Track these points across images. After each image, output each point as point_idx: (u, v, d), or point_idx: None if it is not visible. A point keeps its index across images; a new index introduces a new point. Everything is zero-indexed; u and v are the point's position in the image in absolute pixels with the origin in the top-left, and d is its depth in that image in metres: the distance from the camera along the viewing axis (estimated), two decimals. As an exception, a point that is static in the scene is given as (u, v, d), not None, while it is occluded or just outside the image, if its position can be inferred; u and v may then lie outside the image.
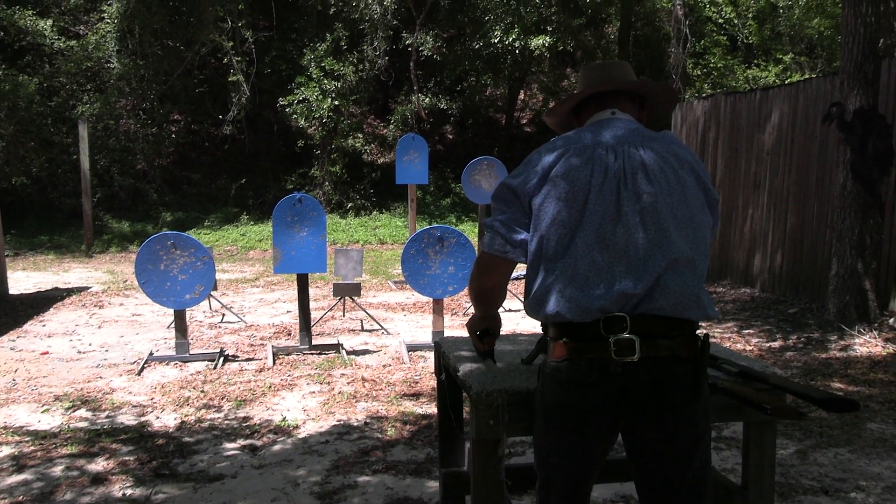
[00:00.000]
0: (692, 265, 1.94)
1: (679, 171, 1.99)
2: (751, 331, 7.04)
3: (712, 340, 2.53)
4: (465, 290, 8.74)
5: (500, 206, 2.09)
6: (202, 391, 5.30)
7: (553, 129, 2.43)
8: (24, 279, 10.54)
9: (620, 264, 1.91)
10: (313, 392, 5.30)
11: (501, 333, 2.48)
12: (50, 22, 15.32)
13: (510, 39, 15.53)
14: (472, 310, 8.11)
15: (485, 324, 2.35)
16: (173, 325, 6.31)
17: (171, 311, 6.53)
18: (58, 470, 3.93)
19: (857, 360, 5.86)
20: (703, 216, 2.01)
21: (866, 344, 6.15)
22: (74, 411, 4.89)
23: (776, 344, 6.52)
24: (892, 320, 6.41)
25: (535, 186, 2.02)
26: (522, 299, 2.14)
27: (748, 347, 6.44)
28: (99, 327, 7.50)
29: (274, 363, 6.03)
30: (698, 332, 1.98)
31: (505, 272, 2.15)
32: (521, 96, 20.31)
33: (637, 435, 1.96)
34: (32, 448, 4.23)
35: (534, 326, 6.69)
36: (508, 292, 8.66)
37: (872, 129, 6.37)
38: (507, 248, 2.07)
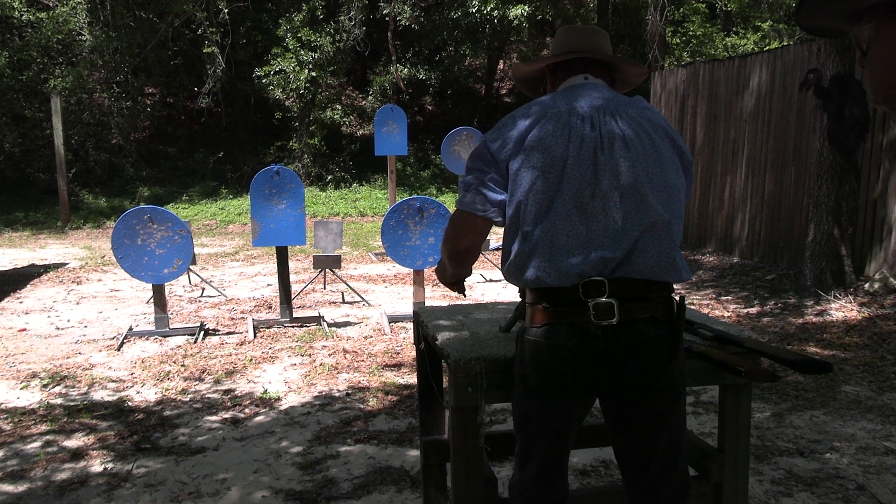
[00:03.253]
0: (668, 228, 1.96)
1: (653, 135, 2.01)
2: (729, 297, 7.11)
3: (690, 307, 2.55)
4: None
5: (478, 165, 2.06)
6: (183, 365, 5.28)
7: (517, 82, 2.42)
8: (0, 256, 10.41)
9: (598, 229, 1.92)
10: (294, 364, 5.30)
11: (480, 303, 2.48)
12: (18, -6, 14.99)
13: (488, 9, 15.38)
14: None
15: (456, 278, 2.35)
16: (152, 299, 6.27)
17: (150, 285, 6.48)
18: (37, 445, 3.91)
19: (833, 324, 5.94)
20: (677, 179, 2.03)
21: (842, 308, 6.23)
22: (53, 387, 4.86)
23: (754, 310, 6.59)
24: (867, 285, 6.49)
25: (511, 151, 2.01)
26: (500, 266, 2.13)
27: (726, 314, 6.51)
28: (77, 303, 7.44)
29: (255, 336, 6.02)
30: (674, 294, 2.00)
31: (482, 232, 2.10)
32: (501, 66, 20.18)
33: (616, 397, 1.98)
34: (11, 424, 4.21)
35: (514, 297, 6.73)
36: (488, 262, 8.69)
37: (849, 96, 6.40)
38: (487, 207, 2.03)
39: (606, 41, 2.18)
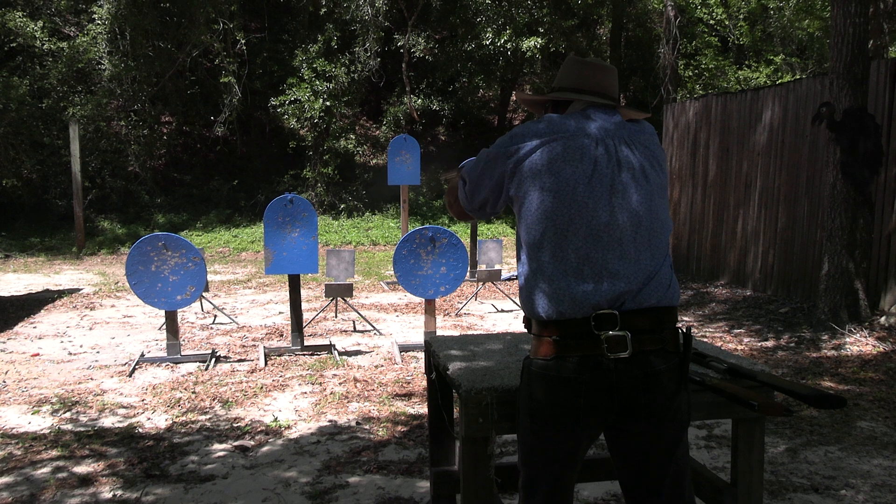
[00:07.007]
0: (668, 258, 2.01)
1: (656, 168, 2.05)
2: (742, 330, 7.06)
3: (704, 340, 2.54)
4: (457, 290, 8.73)
5: (475, 169, 2.19)
6: (193, 392, 5.28)
7: (522, 103, 2.53)
8: (15, 281, 10.49)
9: (612, 259, 1.93)
10: (305, 393, 5.29)
11: (492, 333, 2.49)
12: (40, 23, 15.25)
13: (502, 41, 15.54)
14: (464, 309, 8.13)
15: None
16: (165, 326, 6.29)
17: (163, 312, 6.51)
18: (47, 471, 3.91)
19: (848, 359, 5.88)
20: (666, 214, 2.06)
21: (857, 343, 6.17)
22: (65, 413, 4.87)
23: (768, 343, 6.54)
24: (882, 319, 6.44)
25: (512, 170, 2.02)
26: (518, 294, 2.15)
27: (740, 347, 6.46)
28: (90, 329, 7.47)
29: (266, 364, 6.02)
30: (679, 324, 2.02)
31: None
32: (514, 97, 20.32)
33: (625, 429, 1.97)
34: (21, 449, 4.21)
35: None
36: (500, 292, 8.69)
37: (862, 129, 6.40)
38: (468, 206, 2.28)
39: (614, 78, 2.16)
